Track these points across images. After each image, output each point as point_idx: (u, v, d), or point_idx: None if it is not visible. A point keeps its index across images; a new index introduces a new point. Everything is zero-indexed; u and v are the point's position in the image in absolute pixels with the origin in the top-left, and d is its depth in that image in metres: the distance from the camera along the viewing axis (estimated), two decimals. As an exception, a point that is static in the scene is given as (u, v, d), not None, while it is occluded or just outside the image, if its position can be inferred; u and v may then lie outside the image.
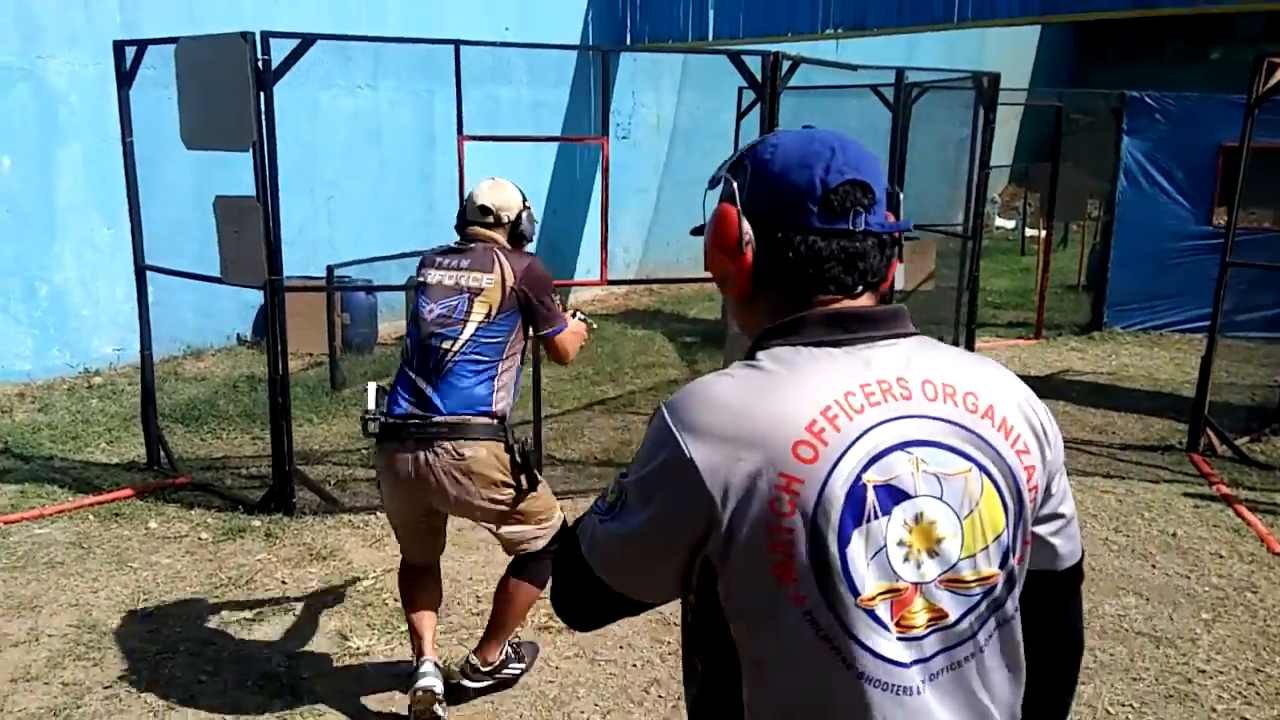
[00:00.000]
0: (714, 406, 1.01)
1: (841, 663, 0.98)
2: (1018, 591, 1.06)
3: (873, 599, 0.98)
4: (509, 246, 2.88)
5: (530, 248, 3.02)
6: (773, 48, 4.71)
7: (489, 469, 2.70)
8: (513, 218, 2.89)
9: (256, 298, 7.83)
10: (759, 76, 4.63)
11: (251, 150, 4.07)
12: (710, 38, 8.99)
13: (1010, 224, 15.48)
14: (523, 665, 3.15)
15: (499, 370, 2.77)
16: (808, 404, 0.99)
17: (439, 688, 2.82)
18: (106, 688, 3.11)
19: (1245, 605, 3.75)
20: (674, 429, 1.01)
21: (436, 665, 2.89)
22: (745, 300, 1.13)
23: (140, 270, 4.91)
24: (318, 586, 3.81)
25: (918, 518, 0.99)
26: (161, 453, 5.04)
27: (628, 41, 9.68)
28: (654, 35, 9.48)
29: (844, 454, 0.97)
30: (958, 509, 1.00)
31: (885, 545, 0.98)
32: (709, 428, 0.99)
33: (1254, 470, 5.26)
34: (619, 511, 1.05)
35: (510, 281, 2.76)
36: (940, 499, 1.00)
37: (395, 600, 3.68)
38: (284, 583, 3.84)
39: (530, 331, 2.87)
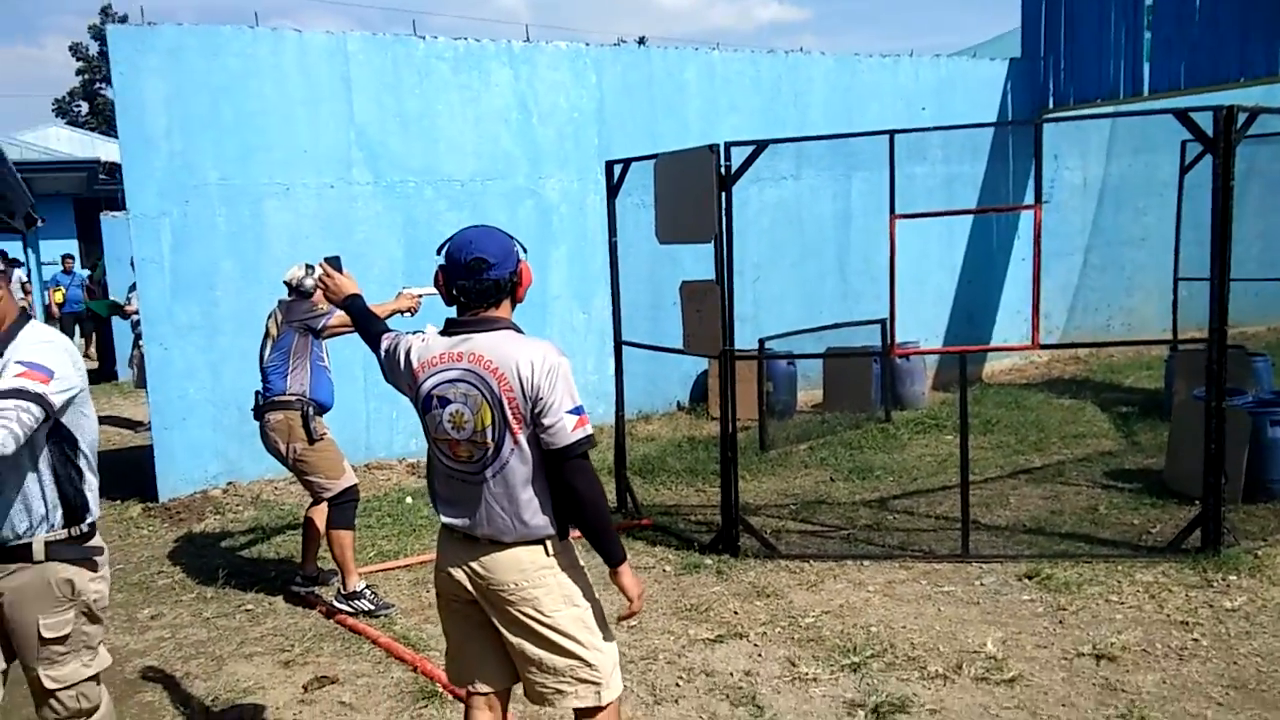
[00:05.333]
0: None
1: (441, 462, 2.50)
2: (508, 452, 2.39)
3: (439, 440, 2.46)
4: (291, 299, 4.62)
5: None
6: (1219, 97, 4.49)
7: (285, 427, 4.52)
8: (294, 283, 4.62)
9: (694, 369, 8.87)
10: (1209, 132, 4.43)
11: (713, 241, 4.81)
12: (1146, 92, 8.50)
13: None
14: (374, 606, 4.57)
15: (289, 369, 4.51)
16: (426, 357, 2.47)
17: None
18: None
19: None
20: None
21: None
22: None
23: (618, 345, 5.93)
24: (765, 619, 4.29)
25: (456, 412, 2.41)
26: (628, 498, 5.96)
27: (1049, 104, 9.47)
28: (1079, 96, 9.18)
29: (425, 379, 2.45)
30: (472, 410, 2.39)
31: (441, 421, 2.43)
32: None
33: None
34: None
35: (280, 318, 4.59)
36: (465, 405, 2.39)
37: (838, 637, 4.04)
38: (735, 613, 4.38)
39: (318, 337, 4.57)
